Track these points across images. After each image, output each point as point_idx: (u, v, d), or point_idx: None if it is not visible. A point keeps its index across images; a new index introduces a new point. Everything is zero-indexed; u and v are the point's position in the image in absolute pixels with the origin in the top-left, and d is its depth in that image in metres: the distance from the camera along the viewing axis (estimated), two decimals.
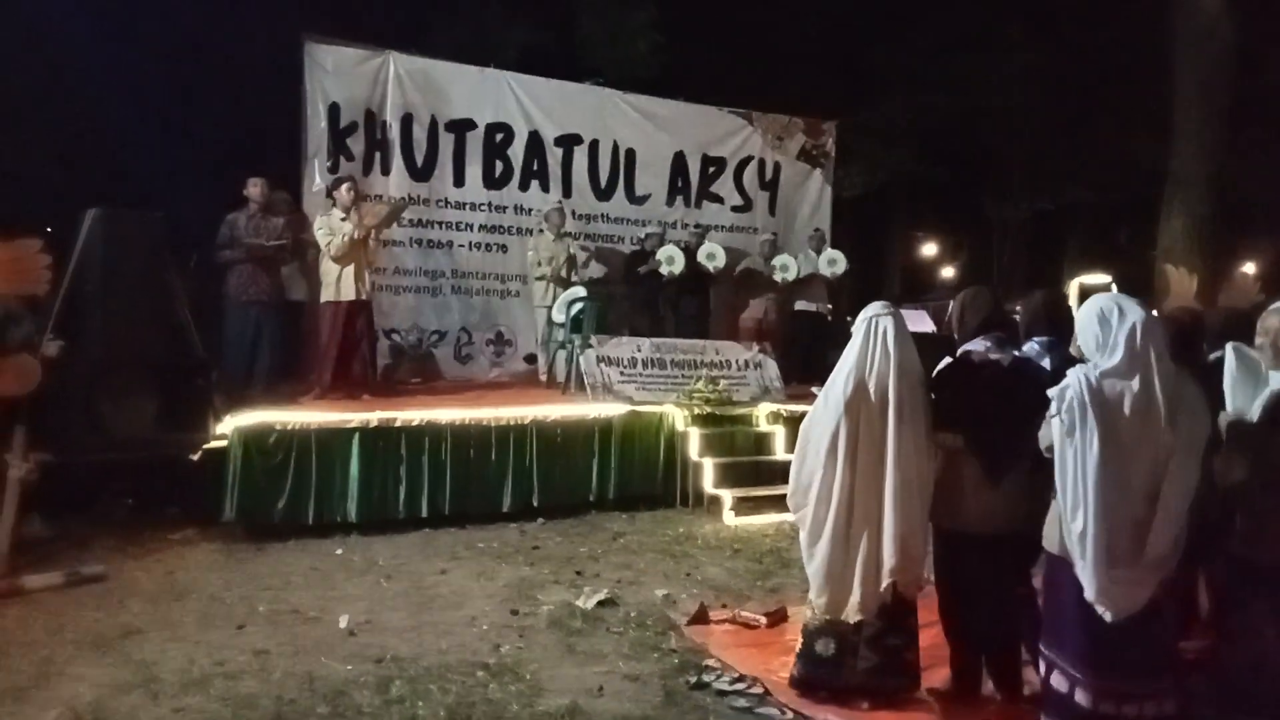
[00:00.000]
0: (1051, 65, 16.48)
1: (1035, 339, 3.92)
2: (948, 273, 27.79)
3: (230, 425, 6.23)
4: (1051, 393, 3.00)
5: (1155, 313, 3.33)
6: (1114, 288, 4.44)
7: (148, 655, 4.10)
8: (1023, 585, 3.67)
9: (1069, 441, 2.95)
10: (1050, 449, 3.07)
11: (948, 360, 3.81)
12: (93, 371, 6.33)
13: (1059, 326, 3.95)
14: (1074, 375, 2.96)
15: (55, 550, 5.63)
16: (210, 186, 8.31)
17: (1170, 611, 3.10)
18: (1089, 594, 2.95)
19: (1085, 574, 2.94)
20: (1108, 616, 2.93)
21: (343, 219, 7.46)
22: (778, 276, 9.99)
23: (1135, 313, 2.97)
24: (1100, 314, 3.03)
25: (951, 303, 4.06)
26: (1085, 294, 4.32)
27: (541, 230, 9.35)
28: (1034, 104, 17.18)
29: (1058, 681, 3.14)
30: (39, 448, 5.43)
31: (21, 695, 3.66)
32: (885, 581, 3.51)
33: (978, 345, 3.72)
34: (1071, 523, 2.94)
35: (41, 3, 11.29)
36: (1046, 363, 3.74)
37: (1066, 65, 16.36)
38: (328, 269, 7.49)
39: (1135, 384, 2.92)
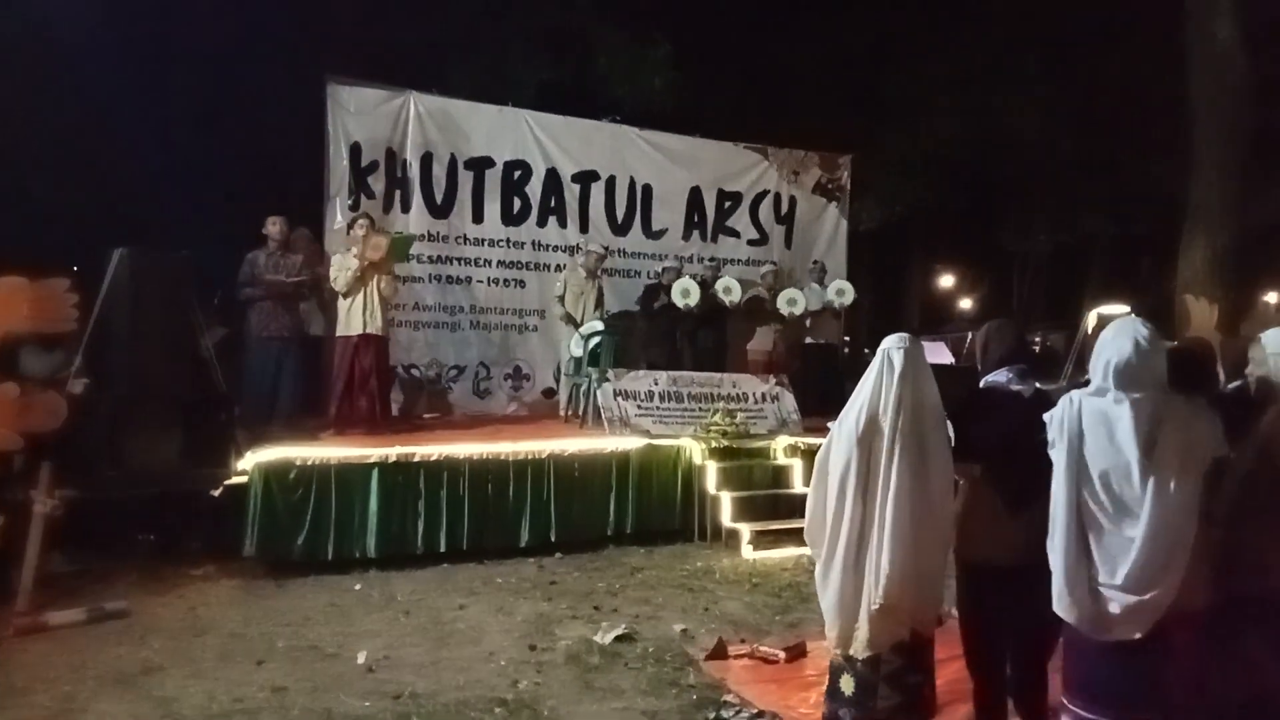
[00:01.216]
0: (1069, 96, 16.51)
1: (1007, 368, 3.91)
2: (966, 305, 27.74)
3: (251, 461, 6.29)
4: (1046, 416, 3.03)
5: (1169, 342, 3.31)
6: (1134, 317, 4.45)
7: (169, 691, 4.12)
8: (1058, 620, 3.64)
9: (1054, 462, 3.00)
10: None
11: (970, 392, 3.81)
12: (117, 408, 6.43)
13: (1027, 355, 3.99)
14: (1064, 400, 3.01)
15: (78, 586, 5.69)
16: (234, 225, 8.46)
17: (1176, 648, 3.05)
18: (1055, 606, 2.98)
19: (1055, 587, 2.96)
20: (1084, 629, 2.92)
21: (353, 253, 7.55)
22: (785, 310, 9.98)
23: (1127, 336, 2.99)
24: (1103, 336, 3.07)
25: (971, 334, 4.07)
26: (1104, 324, 4.30)
27: (576, 268, 9.44)
28: (1052, 135, 17.19)
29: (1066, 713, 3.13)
30: (63, 484, 5.49)
31: None
32: (875, 606, 3.47)
33: (1000, 377, 3.72)
34: (1050, 541, 2.99)
35: (69, 48, 11.57)
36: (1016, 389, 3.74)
37: (1084, 96, 16.38)
38: (341, 304, 7.58)
39: (1110, 406, 2.94)
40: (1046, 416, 3.06)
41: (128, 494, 6.19)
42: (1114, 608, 2.95)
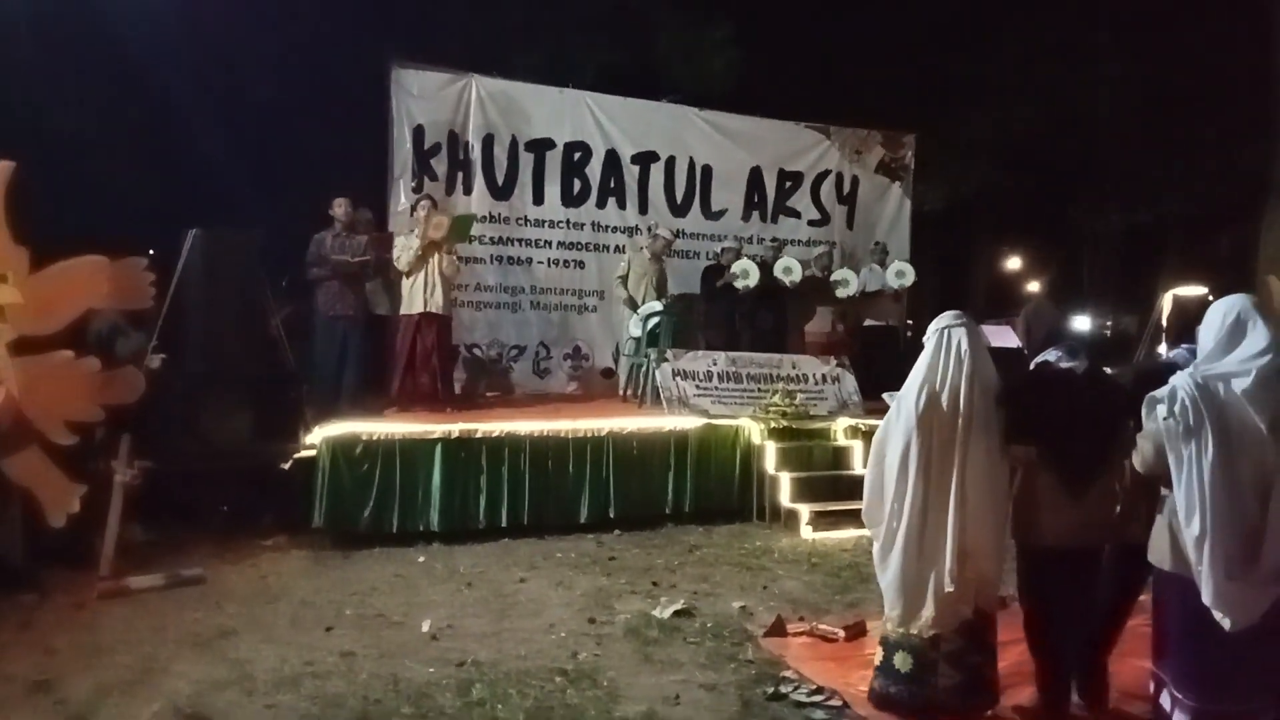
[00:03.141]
0: (1145, 71, 15.94)
1: (1184, 345, 3.83)
2: (1034, 287, 27.04)
3: (319, 436, 6.46)
4: (1159, 394, 2.92)
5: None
6: (1210, 299, 4.29)
7: (242, 654, 4.27)
8: (1127, 597, 3.57)
9: (1184, 444, 2.86)
10: (1149, 458, 3.00)
11: (1020, 373, 3.74)
12: (192, 384, 6.65)
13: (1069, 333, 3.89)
14: (1181, 378, 2.89)
15: (155, 554, 5.91)
16: (302, 207, 8.65)
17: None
18: (1206, 598, 2.83)
19: (1204, 579, 2.83)
20: (1226, 624, 2.81)
21: (413, 233, 7.70)
22: (838, 292, 9.86)
23: (1258, 320, 2.89)
24: (1224, 317, 2.96)
25: (1018, 320, 3.99)
26: (1180, 304, 4.19)
27: (641, 249, 9.47)
28: (1127, 112, 16.63)
29: (1165, 700, 3.05)
30: (142, 456, 5.71)
31: (127, 689, 3.85)
32: (947, 588, 3.42)
33: (1050, 356, 3.66)
34: (1187, 527, 2.85)
35: (144, 39, 11.92)
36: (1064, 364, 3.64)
37: (1162, 71, 15.80)
38: (404, 284, 7.73)
39: (1236, 388, 2.83)
40: (1158, 394, 2.95)
41: (202, 466, 6.41)
42: (1254, 598, 2.84)
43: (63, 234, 5.09)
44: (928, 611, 3.50)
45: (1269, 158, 10.73)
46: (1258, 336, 2.90)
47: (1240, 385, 2.84)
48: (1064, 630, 3.59)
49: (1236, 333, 2.94)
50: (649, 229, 9.76)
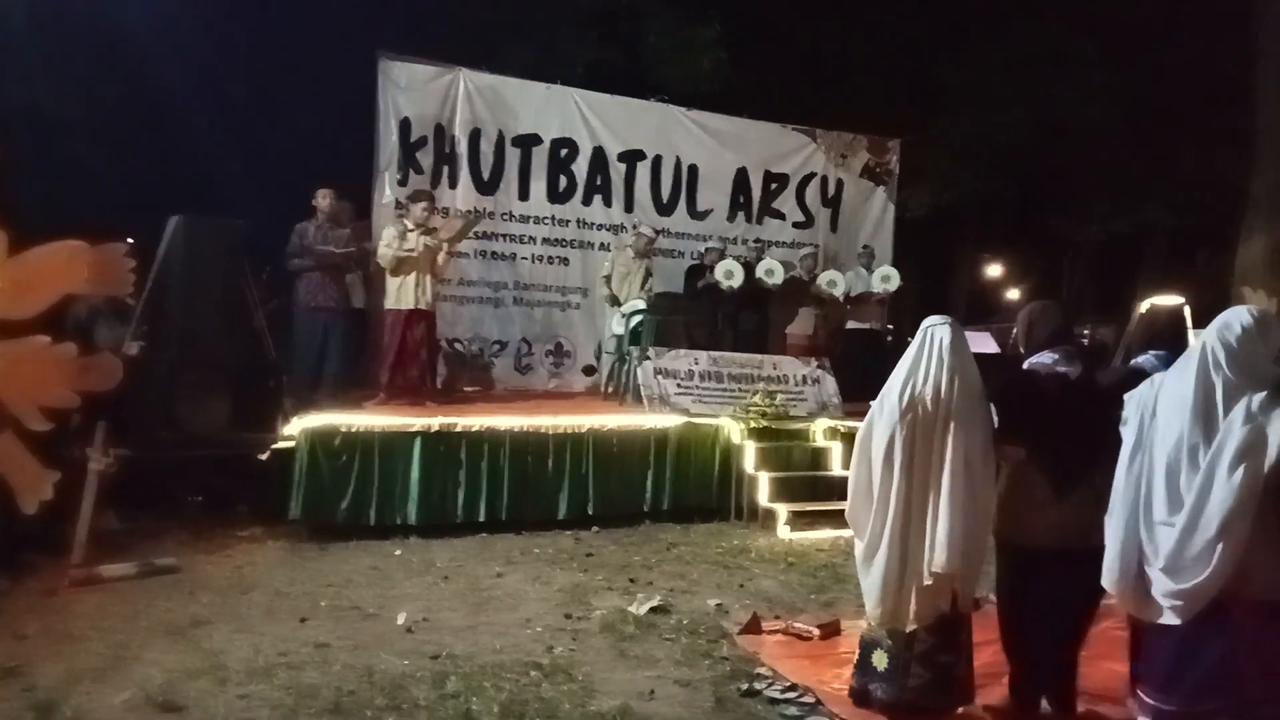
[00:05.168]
0: (1129, 82, 16.10)
1: (1151, 351, 3.89)
2: (1014, 295, 27.24)
3: (298, 427, 6.42)
4: (1126, 396, 3.00)
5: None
6: (1187, 309, 4.33)
7: (216, 644, 4.24)
8: (1095, 600, 3.60)
9: (1125, 436, 3.00)
10: None
11: (1014, 372, 3.77)
12: (170, 371, 6.60)
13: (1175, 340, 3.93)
14: (1150, 378, 2.98)
15: (129, 543, 5.87)
16: (285, 197, 8.60)
17: (1248, 639, 2.99)
18: (1104, 579, 2.98)
19: (1107, 565, 2.94)
20: (1130, 609, 2.93)
21: (411, 230, 7.60)
22: (825, 291, 9.90)
23: (1234, 321, 2.93)
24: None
25: (1019, 316, 4.01)
26: (1151, 312, 4.24)
27: (625, 247, 9.47)
28: (1110, 122, 16.78)
29: (1133, 702, 3.13)
30: (117, 443, 5.66)
31: (98, 676, 3.83)
32: (928, 579, 3.44)
33: (1045, 358, 3.68)
34: (1108, 516, 2.99)
35: (128, 22, 11.82)
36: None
37: (1144, 82, 15.96)
38: (392, 278, 7.66)
39: (1185, 388, 2.89)
40: (1127, 396, 3.03)
41: (179, 455, 6.37)
42: (1156, 591, 2.92)
43: (43, 218, 5.05)
44: (910, 607, 3.52)
45: (1247, 170, 10.85)
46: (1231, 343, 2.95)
47: (1196, 392, 2.89)
48: (1037, 631, 3.63)
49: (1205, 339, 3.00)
50: (633, 227, 9.77)
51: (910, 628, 3.52)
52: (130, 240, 5.52)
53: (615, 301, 9.07)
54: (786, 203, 11.15)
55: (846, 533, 6.56)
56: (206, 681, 3.80)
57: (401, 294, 7.59)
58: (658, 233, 9.74)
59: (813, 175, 11.26)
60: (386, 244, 7.55)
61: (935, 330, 3.61)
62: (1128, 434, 3.01)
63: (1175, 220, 18.73)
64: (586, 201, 10.16)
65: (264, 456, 6.63)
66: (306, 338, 7.77)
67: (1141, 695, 3.05)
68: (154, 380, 6.48)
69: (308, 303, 7.75)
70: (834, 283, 9.93)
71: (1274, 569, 2.93)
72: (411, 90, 9.23)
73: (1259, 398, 2.90)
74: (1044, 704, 3.67)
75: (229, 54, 13.86)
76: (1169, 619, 2.91)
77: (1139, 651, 3.21)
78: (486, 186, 9.66)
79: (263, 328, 7.24)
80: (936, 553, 3.41)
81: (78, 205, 9.67)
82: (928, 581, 3.44)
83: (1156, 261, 21.29)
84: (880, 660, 3.61)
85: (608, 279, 9.25)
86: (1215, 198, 15.19)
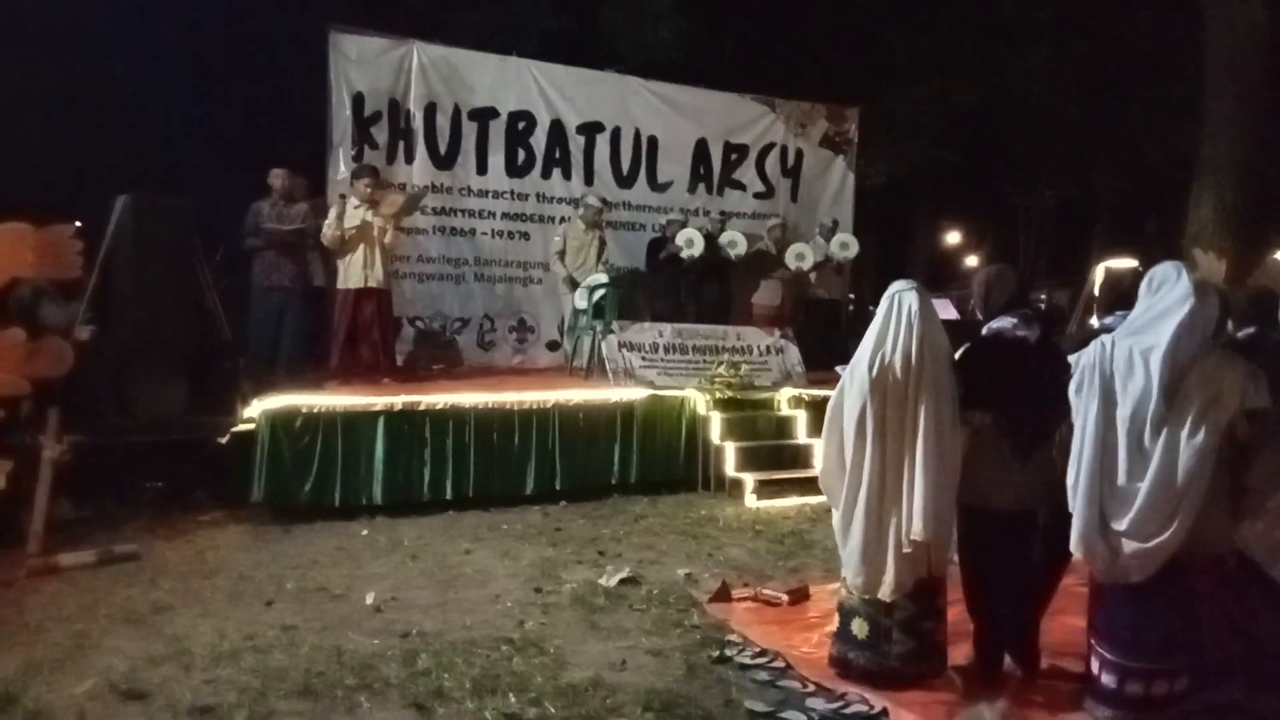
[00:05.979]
0: (1080, 51, 16.27)
1: (1119, 312, 3.94)
2: (972, 261, 27.56)
3: (258, 408, 6.32)
4: (1073, 358, 3.03)
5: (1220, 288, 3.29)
6: (1141, 271, 4.44)
7: (179, 630, 4.18)
8: (1059, 560, 3.67)
9: (1077, 400, 3.07)
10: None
11: (974, 338, 3.80)
12: (123, 355, 6.45)
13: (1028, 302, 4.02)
14: (1093, 343, 3.00)
15: (87, 531, 5.74)
16: (242, 175, 8.42)
17: (1204, 595, 3.07)
18: (1071, 544, 3.07)
19: (1074, 528, 3.00)
20: (1098, 572, 2.96)
21: (356, 207, 7.45)
22: (793, 265, 9.92)
23: (1179, 281, 2.98)
24: (1147, 280, 3.07)
25: (975, 281, 4.04)
26: (1111, 276, 4.33)
27: (575, 221, 9.38)
28: (1062, 90, 16.98)
29: (1094, 659, 3.19)
30: (71, 430, 5.53)
31: (58, 666, 3.74)
32: (908, 548, 3.47)
33: (1004, 323, 3.71)
34: (1069, 478, 3.06)
35: None
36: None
37: (1095, 51, 16.14)
38: (339, 258, 7.52)
39: (1138, 350, 2.94)
40: (1073, 358, 3.06)
41: (135, 440, 6.24)
42: (1122, 552, 2.98)
43: None
44: (889, 576, 3.54)
45: (1197, 136, 11.03)
46: (1167, 294, 3.00)
47: (1152, 354, 2.94)
48: (1000, 591, 3.69)
49: (1147, 294, 3.06)
50: (582, 199, 9.68)
51: (890, 598, 3.55)
52: (78, 222, 5.38)
53: (573, 284, 8.96)
54: (747, 173, 11.15)
55: (813, 500, 6.67)
56: (170, 668, 3.74)
57: (349, 273, 7.46)
58: (605, 201, 9.65)
59: (772, 145, 11.25)
60: (329, 223, 7.40)
61: (902, 296, 3.62)
62: (1086, 398, 3.05)
63: (1125, 186, 19.04)
64: (546, 175, 10.06)
65: (223, 440, 6.52)
66: (261, 317, 7.64)
67: (1103, 652, 3.12)
68: (106, 364, 6.33)
69: (262, 282, 7.61)
70: (803, 255, 9.93)
71: (1224, 522, 3.02)
72: (363, 63, 9.04)
73: (1211, 360, 2.97)
74: (1007, 661, 3.75)
75: (177, 28, 13.48)
76: (1133, 578, 2.98)
77: (1098, 610, 3.28)
78: (444, 161, 9.52)
79: (216, 308, 7.11)
80: (915, 521, 3.44)
81: (20, 186, 9.37)
82: (907, 549, 3.47)
83: (1108, 227, 21.64)
84: (860, 628, 3.64)
85: (561, 255, 9.14)
86: (1164, 163, 15.45)
